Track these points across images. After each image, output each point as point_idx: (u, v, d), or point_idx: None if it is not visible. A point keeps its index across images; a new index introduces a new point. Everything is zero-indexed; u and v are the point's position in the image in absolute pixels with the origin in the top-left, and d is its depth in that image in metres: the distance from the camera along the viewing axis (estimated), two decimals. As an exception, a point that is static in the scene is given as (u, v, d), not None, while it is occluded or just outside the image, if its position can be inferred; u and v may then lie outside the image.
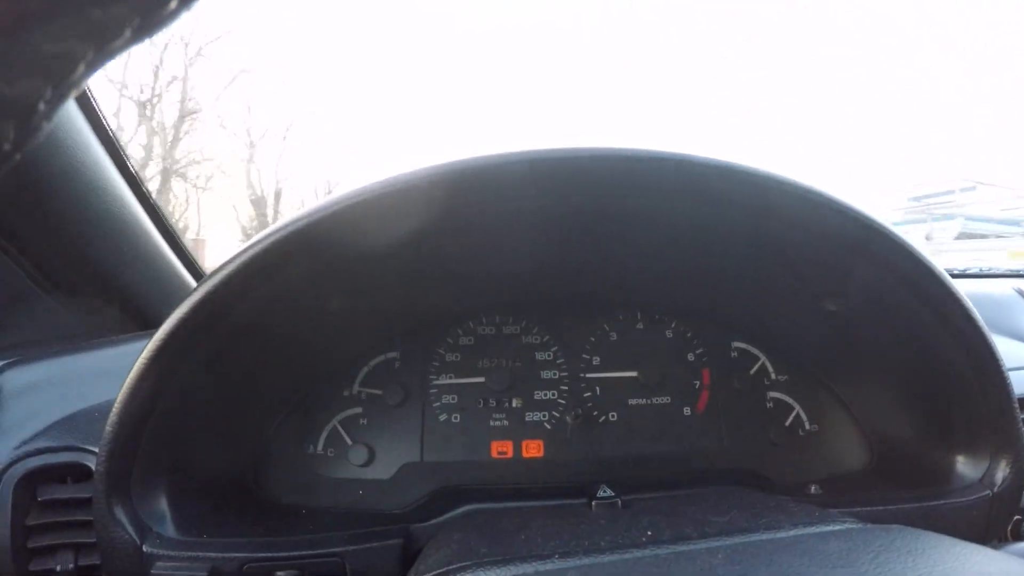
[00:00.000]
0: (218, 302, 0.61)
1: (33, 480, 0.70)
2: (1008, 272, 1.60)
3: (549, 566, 0.46)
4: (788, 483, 0.86)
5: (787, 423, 0.93)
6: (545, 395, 0.90)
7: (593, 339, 0.93)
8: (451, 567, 0.49)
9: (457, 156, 0.63)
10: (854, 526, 0.52)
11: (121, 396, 0.60)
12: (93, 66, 0.21)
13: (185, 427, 0.69)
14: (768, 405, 0.93)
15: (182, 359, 0.62)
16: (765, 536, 0.49)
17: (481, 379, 0.90)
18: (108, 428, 0.61)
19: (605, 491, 0.70)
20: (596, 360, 0.92)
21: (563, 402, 0.90)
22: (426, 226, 0.66)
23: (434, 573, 0.50)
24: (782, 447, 0.91)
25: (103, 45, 0.20)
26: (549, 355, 0.92)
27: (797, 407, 0.94)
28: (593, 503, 0.68)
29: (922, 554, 0.40)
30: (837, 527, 0.51)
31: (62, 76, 0.20)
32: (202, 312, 0.60)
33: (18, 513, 0.69)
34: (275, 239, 0.60)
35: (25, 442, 0.72)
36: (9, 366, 0.83)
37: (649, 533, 0.53)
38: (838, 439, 0.93)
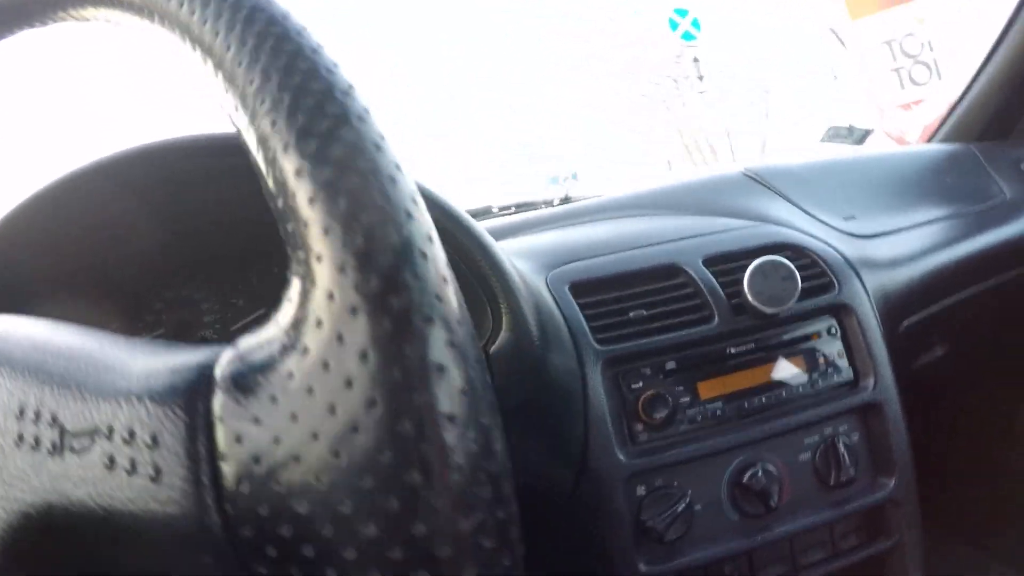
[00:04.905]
0: None
1: None
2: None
3: None
4: None
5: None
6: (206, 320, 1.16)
7: (241, 287, 1.17)
8: None
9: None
10: None
11: None
12: None
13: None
14: None
15: None
16: None
17: (161, 331, 1.16)
18: None
19: None
20: (241, 302, 1.16)
21: (219, 325, 1.15)
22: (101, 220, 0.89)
23: None
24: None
25: None
26: (211, 305, 1.17)
27: None
28: None
29: None
30: None
31: None
32: None
33: None
34: None
35: None
36: None
37: None
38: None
